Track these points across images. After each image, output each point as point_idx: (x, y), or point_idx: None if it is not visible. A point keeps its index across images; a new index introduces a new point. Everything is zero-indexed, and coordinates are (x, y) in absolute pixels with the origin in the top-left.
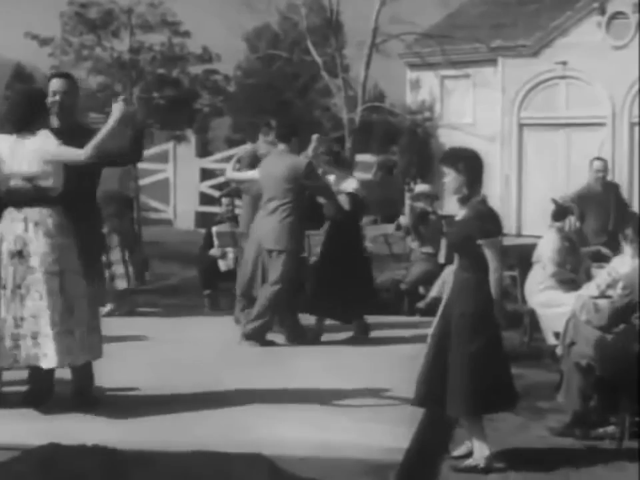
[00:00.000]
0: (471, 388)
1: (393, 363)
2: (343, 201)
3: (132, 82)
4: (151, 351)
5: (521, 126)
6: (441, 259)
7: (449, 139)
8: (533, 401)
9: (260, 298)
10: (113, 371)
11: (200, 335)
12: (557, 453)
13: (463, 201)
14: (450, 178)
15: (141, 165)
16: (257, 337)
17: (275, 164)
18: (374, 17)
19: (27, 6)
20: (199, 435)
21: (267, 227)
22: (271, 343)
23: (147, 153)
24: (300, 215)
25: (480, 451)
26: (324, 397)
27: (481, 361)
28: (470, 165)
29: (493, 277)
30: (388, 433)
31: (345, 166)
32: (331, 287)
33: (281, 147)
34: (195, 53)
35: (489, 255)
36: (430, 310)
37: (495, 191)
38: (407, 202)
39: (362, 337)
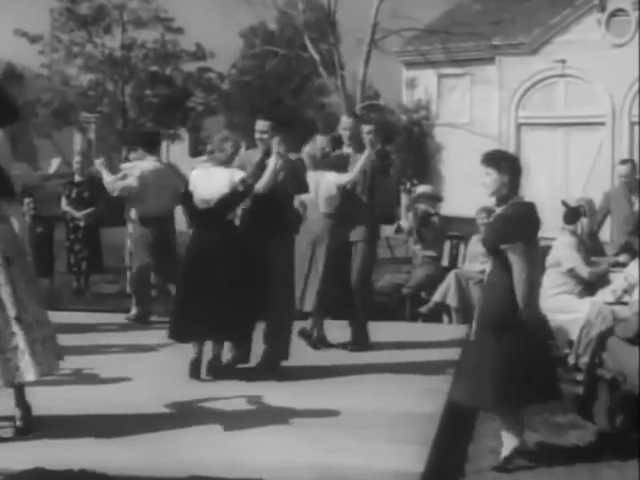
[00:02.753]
0: (499, 384)
1: (401, 375)
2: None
3: (124, 79)
4: (149, 362)
5: (519, 125)
6: (444, 262)
7: (445, 138)
8: (549, 415)
9: None
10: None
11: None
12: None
13: (502, 201)
14: (491, 178)
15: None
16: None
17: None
18: (373, 12)
19: (17, 2)
20: (195, 459)
21: None
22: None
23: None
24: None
25: (509, 445)
26: (328, 415)
27: (509, 359)
28: (512, 166)
29: (515, 278)
30: (399, 455)
31: None
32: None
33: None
34: (188, 50)
35: (512, 256)
36: (432, 315)
37: None
38: (404, 203)
39: (358, 347)
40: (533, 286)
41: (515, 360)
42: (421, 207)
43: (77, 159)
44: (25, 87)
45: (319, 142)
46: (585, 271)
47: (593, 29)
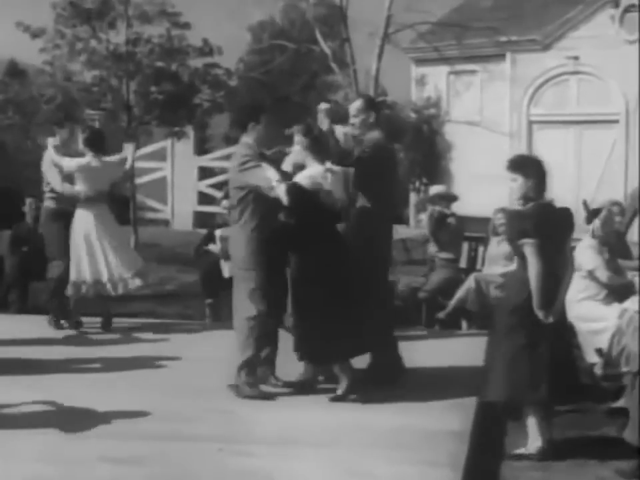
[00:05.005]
0: (508, 378)
1: (424, 390)
2: (280, 193)
3: (128, 75)
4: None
5: (531, 123)
6: (462, 264)
7: (455, 136)
8: (582, 430)
9: None
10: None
11: (207, 355)
12: None
13: (527, 203)
14: (518, 183)
15: (138, 164)
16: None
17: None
18: (387, 4)
19: None
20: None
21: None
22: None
23: (144, 150)
24: (255, 222)
25: (534, 442)
26: (351, 434)
27: (518, 354)
28: (537, 170)
29: (530, 274)
30: (425, 478)
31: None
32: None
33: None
34: (195, 46)
35: (527, 253)
36: (450, 321)
37: (503, 189)
38: (413, 202)
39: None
40: (554, 286)
41: (526, 357)
42: (436, 208)
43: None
44: (27, 84)
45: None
46: (604, 275)
47: (606, 25)
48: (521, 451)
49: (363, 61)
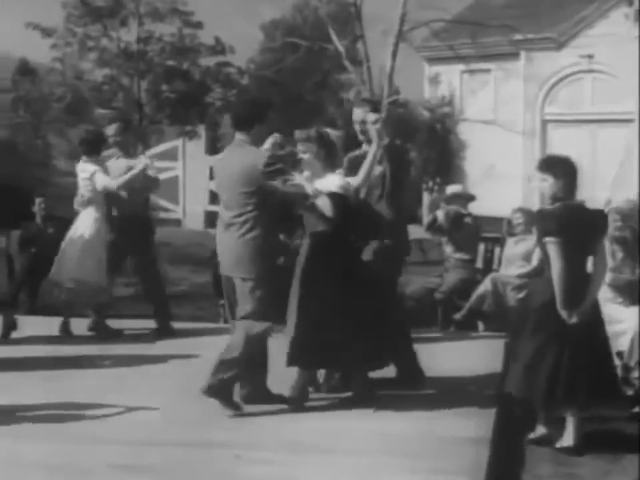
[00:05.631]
0: (527, 377)
1: (443, 395)
2: (324, 205)
3: (140, 74)
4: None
5: (545, 122)
6: (479, 264)
7: (469, 135)
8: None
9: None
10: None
11: None
12: None
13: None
14: (548, 184)
15: None
16: (220, 391)
17: (230, 161)
18: (401, 1)
19: None
20: None
21: (222, 246)
22: (237, 407)
23: (156, 150)
24: (268, 228)
25: (568, 436)
26: (370, 441)
27: (539, 354)
28: (566, 170)
29: (553, 274)
30: None
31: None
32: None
33: (237, 136)
34: (206, 44)
35: (550, 251)
36: (467, 322)
37: (517, 189)
38: (426, 202)
39: (362, 399)
40: (581, 286)
41: (547, 357)
42: (453, 208)
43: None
44: (38, 82)
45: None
46: (607, 277)
47: (621, 23)
48: (557, 445)
49: (376, 59)
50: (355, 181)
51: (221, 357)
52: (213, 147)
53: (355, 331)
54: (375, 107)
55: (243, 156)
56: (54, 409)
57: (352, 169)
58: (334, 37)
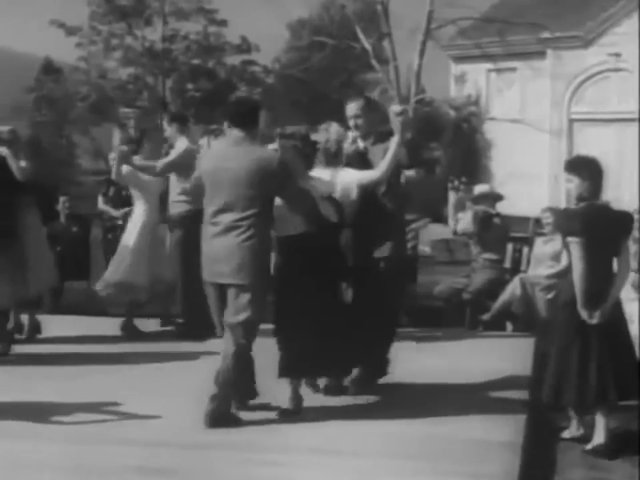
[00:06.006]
0: (553, 378)
1: (471, 397)
2: (326, 208)
3: (164, 73)
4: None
5: (571, 121)
6: (507, 265)
7: (495, 134)
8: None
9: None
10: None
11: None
12: None
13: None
14: (574, 184)
15: None
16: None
17: (230, 157)
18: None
19: None
20: None
21: (219, 252)
22: (237, 422)
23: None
24: (266, 233)
25: (598, 437)
26: (394, 444)
27: (562, 354)
28: (592, 170)
29: (574, 273)
30: None
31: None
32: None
33: (236, 133)
34: (232, 43)
35: (572, 251)
36: (495, 323)
37: (543, 188)
38: (451, 201)
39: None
40: (603, 286)
41: (570, 357)
42: (481, 207)
43: (114, 155)
44: (62, 81)
45: (335, 131)
46: (630, 277)
47: None
48: (588, 446)
49: (402, 58)
50: (375, 174)
51: (216, 380)
52: None
53: (326, 337)
54: (368, 102)
55: (251, 155)
56: (72, 410)
57: (351, 165)
58: (361, 36)
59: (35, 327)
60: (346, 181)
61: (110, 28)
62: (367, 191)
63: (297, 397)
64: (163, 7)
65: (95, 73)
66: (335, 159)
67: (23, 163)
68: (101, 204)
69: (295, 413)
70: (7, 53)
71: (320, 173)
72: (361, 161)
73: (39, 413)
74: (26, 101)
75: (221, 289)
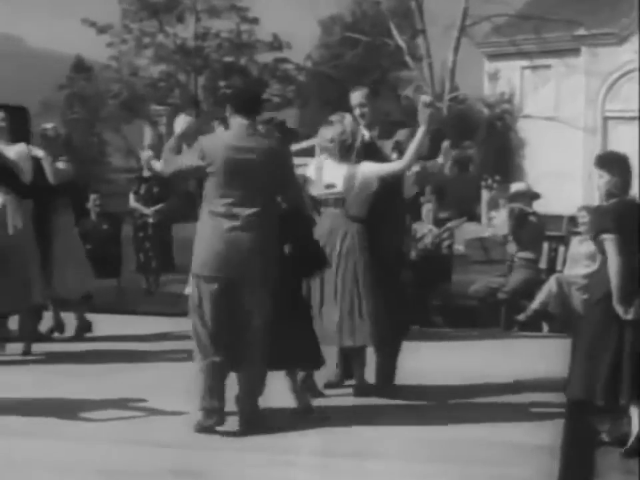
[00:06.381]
0: (587, 376)
1: (507, 399)
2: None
3: (196, 70)
4: None
5: (606, 119)
6: (543, 264)
7: (529, 132)
8: None
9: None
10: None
11: None
12: None
13: (610, 199)
14: (604, 180)
15: None
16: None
17: (245, 148)
18: None
19: None
20: None
21: (241, 246)
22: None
23: None
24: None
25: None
26: (428, 447)
27: (597, 351)
28: (621, 166)
29: (610, 270)
30: None
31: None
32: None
33: (241, 121)
34: (264, 40)
35: (607, 248)
36: (531, 324)
37: (577, 187)
38: (484, 199)
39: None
40: (637, 282)
41: (605, 354)
42: (517, 205)
43: (145, 153)
44: (93, 79)
45: (349, 123)
46: None
47: None
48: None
49: (436, 55)
50: (396, 165)
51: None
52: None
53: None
54: (373, 90)
55: (263, 145)
56: (100, 408)
57: (359, 156)
58: (394, 32)
59: (84, 326)
60: (366, 173)
61: (141, 26)
62: (387, 183)
63: (300, 396)
64: (195, 4)
65: (126, 71)
66: (350, 152)
67: (61, 164)
68: (132, 202)
69: (307, 412)
70: (39, 52)
71: (335, 166)
72: (370, 151)
73: (66, 411)
74: (57, 99)
75: (229, 284)
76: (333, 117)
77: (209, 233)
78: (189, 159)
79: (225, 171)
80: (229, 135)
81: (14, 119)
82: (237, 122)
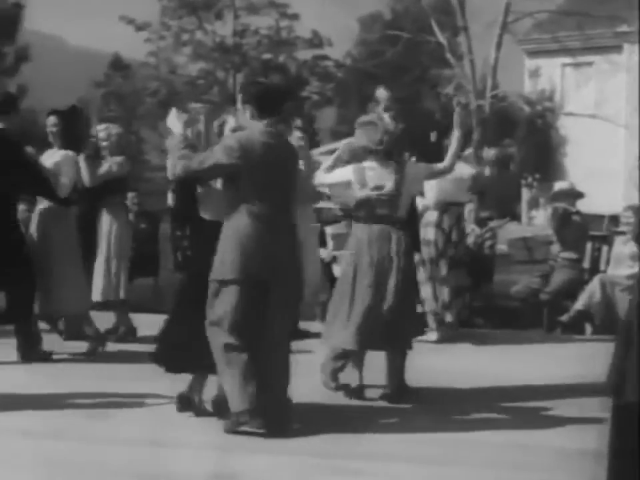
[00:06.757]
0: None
1: (550, 402)
2: None
3: (235, 68)
4: None
5: None
6: (586, 264)
7: (570, 130)
8: None
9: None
10: None
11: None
12: None
13: None
14: None
15: None
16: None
17: (274, 153)
18: None
19: None
20: None
21: (282, 251)
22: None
23: None
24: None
25: None
26: (469, 452)
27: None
28: None
29: None
30: None
31: None
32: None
33: (267, 122)
34: (303, 37)
35: None
36: (574, 325)
37: (618, 185)
38: (525, 198)
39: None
40: None
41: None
42: (561, 205)
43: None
44: (130, 77)
45: (389, 123)
46: None
47: None
48: None
49: (477, 52)
50: (442, 166)
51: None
52: (311, 141)
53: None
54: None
55: (287, 149)
56: (136, 411)
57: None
58: (436, 29)
59: (130, 331)
60: (412, 174)
61: (180, 23)
62: None
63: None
64: (233, 1)
65: (164, 68)
66: (391, 152)
67: (114, 165)
68: (171, 200)
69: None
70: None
71: (378, 167)
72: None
73: (100, 413)
74: (94, 97)
75: (264, 289)
76: (367, 117)
77: (255, 236)
78: (220, 156)
79: (259, 174)
80: (261, 134)
81: (66, 123)
82: (260, 123)
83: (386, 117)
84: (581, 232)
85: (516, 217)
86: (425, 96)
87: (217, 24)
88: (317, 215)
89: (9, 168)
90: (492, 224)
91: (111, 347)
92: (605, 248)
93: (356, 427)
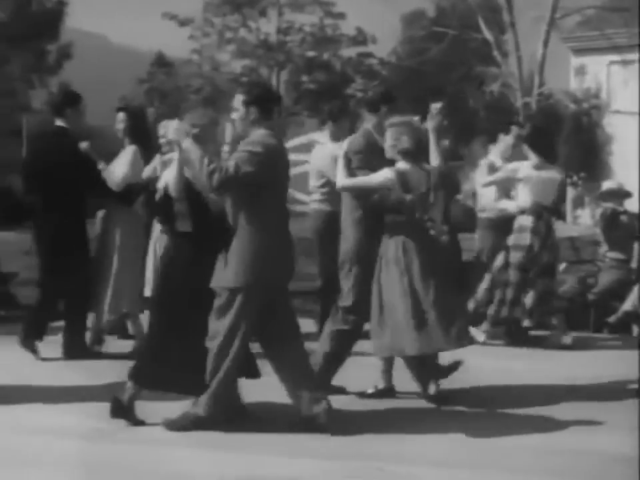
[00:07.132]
0: None
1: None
2: None
3: (279, 65)
4: None
5: None
6: (634, 264)
7: (616, 128)
8: None
9: None
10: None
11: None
12: None
13: None
14: None
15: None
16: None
17: (285, 156)
18: None
19: None
20: None
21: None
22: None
23: (293, 143)
24: None
25: None
26: (509, 456)
27: None
28: None
29: None
30: None
31: None
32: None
33: (269, 125)
34: (348, 35)
35: None
36: (621, 326)
37: None
38: (570, 197)
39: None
40: None
41: None
42: (609, 205)
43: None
44: (173, 74)
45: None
46: None
47: None
48: None
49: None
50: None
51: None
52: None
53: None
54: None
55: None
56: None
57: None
58: (483, 26)
59: None
60: (444, 175)
61: (224, 20)
62: None
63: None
64: None
65: (207, 66)
66: (423, 154)
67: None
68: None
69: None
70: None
71: (413, 170)
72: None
73: (147, 415)
74: (137, 95)
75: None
76: (397, 119)
77: (282, 242)
78: (251, 165)
79: (283, 178)
80: (270, 137)
81: (135, 119)
82: (267, 126)
83: (415, 119)
84: (629, 232)
85: (561, 216)
86: (470, 94)
87: (261, 21)
88: None
89: (68, 167)
90: None
91: None
92: None
93: (402, 427)
